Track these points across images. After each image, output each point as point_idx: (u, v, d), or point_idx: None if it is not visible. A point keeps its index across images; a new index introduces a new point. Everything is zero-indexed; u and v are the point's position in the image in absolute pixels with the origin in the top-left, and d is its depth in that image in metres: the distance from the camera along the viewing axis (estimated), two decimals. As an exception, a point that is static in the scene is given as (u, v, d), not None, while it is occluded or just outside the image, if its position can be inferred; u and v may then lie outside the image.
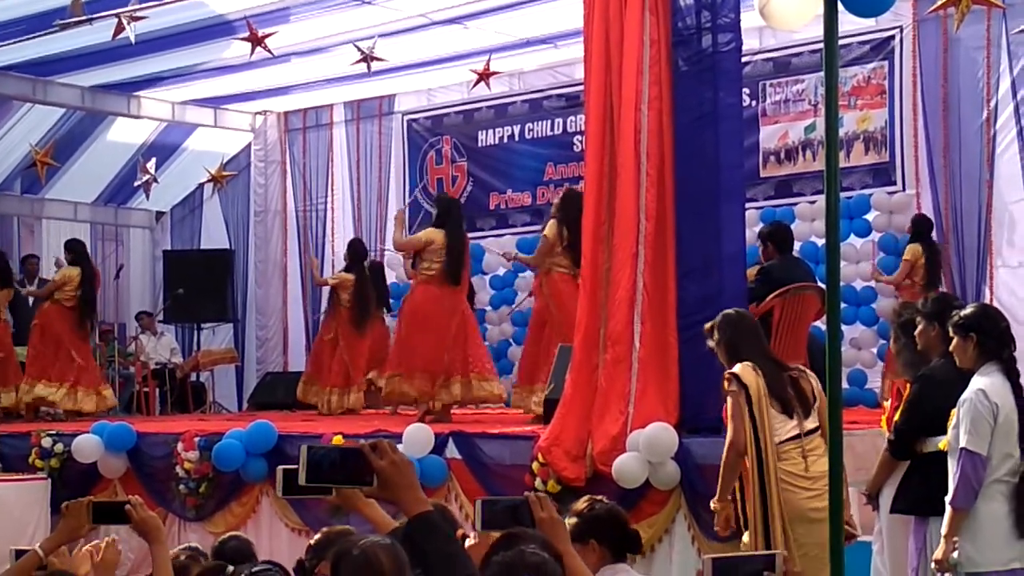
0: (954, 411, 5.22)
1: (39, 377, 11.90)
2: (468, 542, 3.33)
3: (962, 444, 5.12)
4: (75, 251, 12.40)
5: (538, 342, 9.68)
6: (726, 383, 5.69)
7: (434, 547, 2.71)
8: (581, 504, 4.19)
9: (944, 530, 5.18)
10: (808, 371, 5.73)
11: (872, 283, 10.76)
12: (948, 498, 5.17)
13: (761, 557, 3.83)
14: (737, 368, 5.68)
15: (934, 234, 10.41)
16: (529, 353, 9.87)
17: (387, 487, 2.70)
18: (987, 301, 9.57)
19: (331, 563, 3.03)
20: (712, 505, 5.81)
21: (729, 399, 5.66)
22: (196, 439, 9.01)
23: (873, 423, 7.98)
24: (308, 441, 8.55)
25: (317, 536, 4.40)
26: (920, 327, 5.88)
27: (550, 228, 9.50)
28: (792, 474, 5.57)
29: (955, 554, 5.13)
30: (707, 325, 6.02)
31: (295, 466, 3.21)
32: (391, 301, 12.85)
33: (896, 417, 5.86)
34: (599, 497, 4.31)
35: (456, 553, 2.74)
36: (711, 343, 5.98)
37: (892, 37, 10.87)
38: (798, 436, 5.59)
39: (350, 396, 11.89)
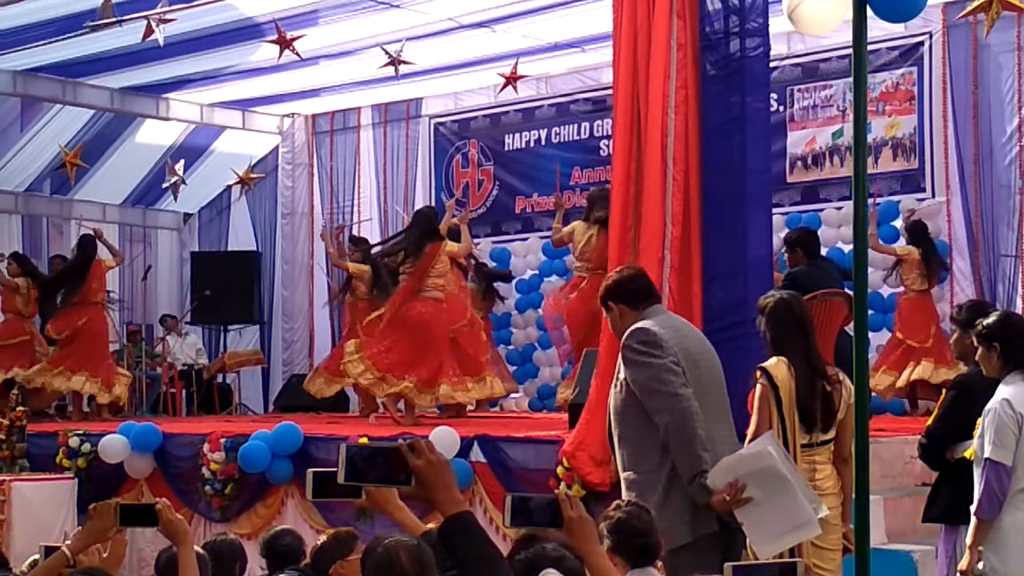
0: (980, 420, 5.20)
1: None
2: None
3: (986, 454, 5.09)
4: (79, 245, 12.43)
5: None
6: (756, 374, 5.64)
7: (469, 548, 2.70)
8: (609, 508, 4.23)
9: (968, 540, 5.15)
10: (846, 380, 5.53)
11: (899, 290, 10.72)
12: (973, 508, 5.14)
13: (781, 565, 3.82)
14: (771, 363, 5.60)
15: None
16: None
17: (424, 487, 2.70)
18: (1020, 309, 9.53)
19: (361, 559, 3.07)
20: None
21: (758, 388, 5.61)
22: (222, 440, 9.04)
23: (900, 431, 7.97)
24: (334, 443, 8.61)
25: (322, 539, 4.42)
26: (955, 336, 5.86)
27: (579, 228, 9.66)
28: None
29: (980, 564, 5.10)
30: (760, 302, 5.89)
31: (324, 469, 3.21)
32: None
33: (930, 421, 5.84)
34: (624, 501, 4.32)
35: (491, 555, 2.74)
36: (758, 324, 5.88)
37: (921, 43, 10.83)
38: (809, 446, 5.55)
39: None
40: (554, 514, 3.06)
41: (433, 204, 13.77)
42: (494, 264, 13.27)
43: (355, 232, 14.15)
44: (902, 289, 10.43)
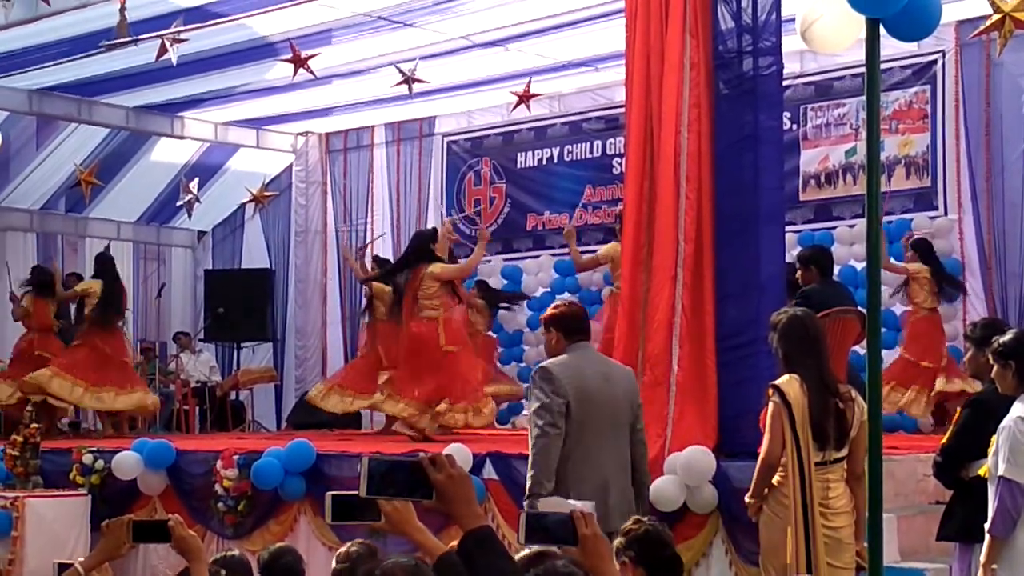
0: (994, 438, 5.18)
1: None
2: None
3: (1000, 472, 5.08)
4: (101, 264, 12.47)
5: None
6: (769, 392, 5.63)
7: (488, 562, 2.70)
8: (627, 523, 4.22)
9: (983, 558, 5.14)
10: (858, 397, 5.59)
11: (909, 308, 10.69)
12: (987, 526, 5.13)
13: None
14: (783, 380, 5.58)
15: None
16: None
17: (444, 500, 2.70)
18: (1029, 327, 9.51)
19: None
20: (746, 499, 5.79)
21: (770, 406, 5.60)
22: (235, 457, 9.04)
23: (913, 449, 7.95)
24: (346, 460, 8.61)
25: (352, 547, 4.37)
26: (969, 353, 5.87)
27: (611, 248, 9.73)
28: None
29: (994, 582, 5.09)
30: (772, 318, 5.90)
31: (344, 492, 3.20)
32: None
33: (944, 439, 5.83)
34: (646, 518, 4.33)
35: (510, 569, 2.74)
36: (770, 340, 5.87)
37: (934, 62, 10.84)
38: (822, 464, 5.55)
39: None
40: (569, 532, 3.06)
41: (442, 223, 13.85)
42: (505, 282, 13.33)
43: (370, 249, 14.22)
44: (911, 308, 10.41)
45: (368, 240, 14.07)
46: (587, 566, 3.17)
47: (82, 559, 4.06)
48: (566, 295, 12.93)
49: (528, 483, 5.62)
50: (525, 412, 12.82)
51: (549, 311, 6.12)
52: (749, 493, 5.75)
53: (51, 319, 12.47)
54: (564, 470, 5.64)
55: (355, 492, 2.76)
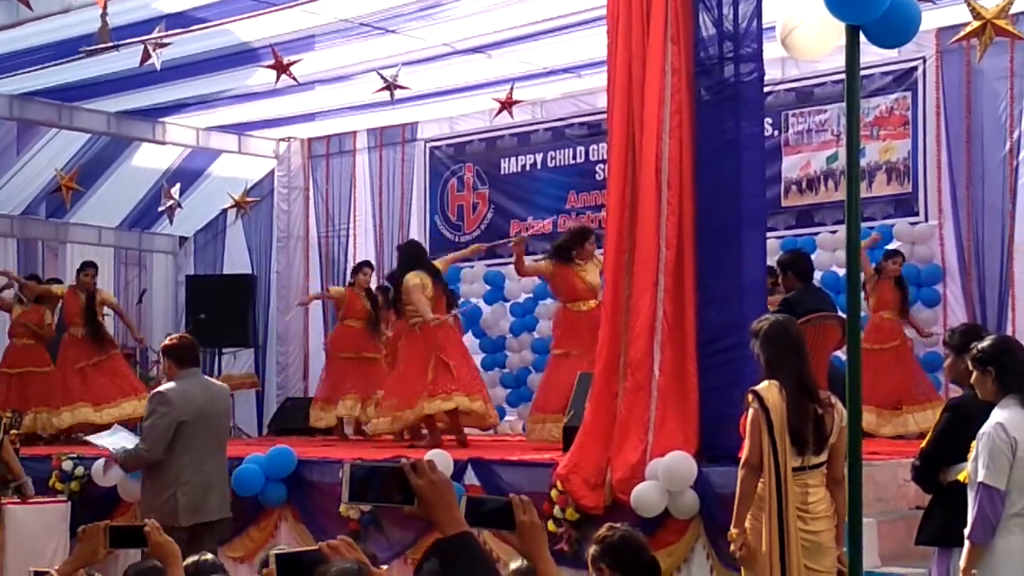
0: (974, 443, 5.19)
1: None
2: None
3: (980, 478, 5.08)
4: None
5: None
6: (748, 397, 5.64)
7: (467, 568, 2.70)
8: (601, 531, 4.23)
9: (962, 564, 5.15)
10: (837, 403, 5.62)
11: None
12: (966, 532, 5.14)
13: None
14: (763, 386, 5.61)
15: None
16: None
17: (425, 506, 2.70)
18: (1008, 332, 9.54)
19: None
20: (729, 534, 5.78)
21: (750, 412, 5.62)
22: (216, 464, 9.00)
23: (893, 454, 7.97)
24: (327, 466, 8.60)
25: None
26: (948, 359, 5.88)
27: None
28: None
29: (973, 588, 5.09)
30: (754, 325, 5.91)
31: (287, 550, 3.19)
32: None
33: (924, 444, 5.84)
34: (619, 524, 4.33)
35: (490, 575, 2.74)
36: (752, 347, 5.88)
37: (915, 68, 10.88)
38: (801, 469, 5.56)
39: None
40: (507, 517, 3.06)
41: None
42: (488, 288, 13.33)
43: (353, 255, 14.21)
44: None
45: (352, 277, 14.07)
46: (523, 552, 3.17)
47: (58, 566, 4.04)
48: (548, 301, 12.94)
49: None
50: (509, 417, 12.83)
51: (165, 343, 7.67)
52: (733, 522, 5.72)
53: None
54: (175, 475, 7.09)
55: (300, 549, 2.77)
